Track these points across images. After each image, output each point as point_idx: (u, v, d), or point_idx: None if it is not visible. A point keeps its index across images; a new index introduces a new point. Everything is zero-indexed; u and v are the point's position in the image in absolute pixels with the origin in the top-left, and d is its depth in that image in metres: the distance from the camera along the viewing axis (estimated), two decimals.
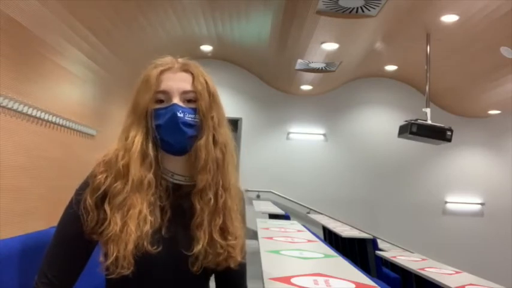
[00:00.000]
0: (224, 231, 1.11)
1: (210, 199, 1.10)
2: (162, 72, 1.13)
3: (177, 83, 1.12)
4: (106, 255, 1.03)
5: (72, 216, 1.08)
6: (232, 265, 1.12)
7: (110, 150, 1.12)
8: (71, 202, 1.11)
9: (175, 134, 1.08)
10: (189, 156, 1.12)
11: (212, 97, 1.14)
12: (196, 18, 6.19)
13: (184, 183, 1.14)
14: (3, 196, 3.78)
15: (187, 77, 1.14)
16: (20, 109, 3.96)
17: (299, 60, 6.87)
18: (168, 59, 1.17)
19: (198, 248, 1.08)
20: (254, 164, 8.56)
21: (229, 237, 1.11)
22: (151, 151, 1.09)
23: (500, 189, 8.84)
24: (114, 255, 1.01)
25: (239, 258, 1.13)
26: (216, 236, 1.10)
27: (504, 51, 5.69)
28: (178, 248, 1.09)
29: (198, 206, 1.10)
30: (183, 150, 1.10)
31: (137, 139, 1.09)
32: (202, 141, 1.10)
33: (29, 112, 4.13)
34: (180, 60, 1.18)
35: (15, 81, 3.93)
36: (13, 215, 3.94)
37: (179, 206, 1.13)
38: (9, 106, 3.81)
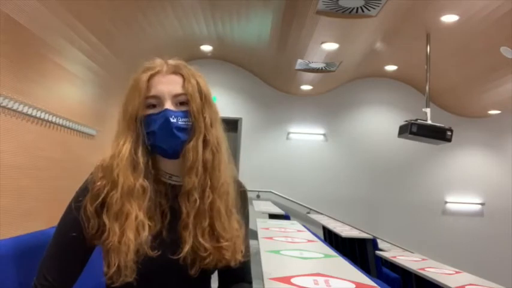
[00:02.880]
0: (213, 234, 1.10)
1: (196, 200, 1.09)
2: (151, 76, 1.11)
3: (168, 87, 1.11)
4: (108, 265, 1.03)
5: (72, 221, 1.08)
6: (232, 264, 1.12)
7: (107, 156, 1.12)
8: (70, 207, 1.11)
9: (169, 139, 1.08)
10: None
11: (204, 98, 1.13)
12: (196, 18, 6.19)
13: (181, 183, 1.13)
14: (3, 196, 3.78)
15: (177, 80, 1.12)
16: (20, 109, 3.96)
17: (299, 60, 6.87)
18: (157, 62, 1.15)
19: (185, 251, 1.07)
20: (254, 164, 8.56)
21: (221, 239, 1.10)
22: (140, 158, 1.08)
23: (500, 189, 8.84)
24: (116, 265, 1.01)
25: (239, 257, 1.12)
26: (202, 239, 1.08)
27: (504, 51, 5.69)
28: (170, 251, 1.09)
29: (184, 209, 1.10)
30: (176, 154, 1.10)
31: (126, 147, 1.08)
32: (191, 144, 1.09)
33: (29, 112, 4.13)
34: (169, 61, 1.16)
35: (15, 81, 3.93)
36: (13, 215, 3.93)
37: (175, 208, 1.13)
38: (9, 106, 3.81)
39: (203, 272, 1.11)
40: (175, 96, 1.10)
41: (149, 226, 1.06)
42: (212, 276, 1.21)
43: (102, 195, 1.07)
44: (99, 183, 1.08)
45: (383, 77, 8.83)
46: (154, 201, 1.09)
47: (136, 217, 1.05)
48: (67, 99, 5.15)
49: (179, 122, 1.08)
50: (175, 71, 1.14)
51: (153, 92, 1.10)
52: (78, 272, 1.12)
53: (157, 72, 1.13)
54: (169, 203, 1.12)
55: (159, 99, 1.10)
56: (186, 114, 1.10)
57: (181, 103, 1.11)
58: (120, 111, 1.13)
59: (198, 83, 1.13)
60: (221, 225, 1.11)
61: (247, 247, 1.20)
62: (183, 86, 1.11)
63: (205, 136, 1.11)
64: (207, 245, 1.08)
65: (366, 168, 8.87)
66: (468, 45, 6.13)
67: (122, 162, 1.07)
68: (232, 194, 1.17)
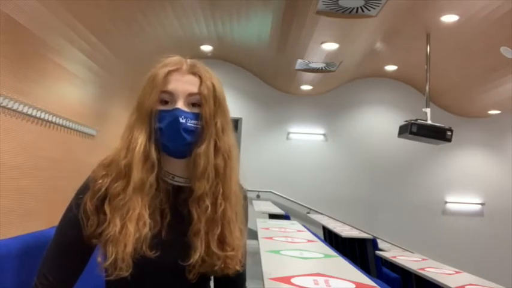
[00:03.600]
0: (222, 242, 1.09)
1: (208, 207, 1.08)
2: (170, 72, 1.10)
3: (184, 86, 1.09)
4: (104, 257, 1.03)
5: (72, 220, 1.08)
6: (230, 274, 1.11)
7: (111, 151, 1.11)
8: (70, 205, 1.10)
9: (174, 139, 1.07)
10: (189, 160, 1.10)
11: (218, 102, 1.11)
12: (196, 18, 6.19)
13: (184, 184, 1.12)
14: (3, 196, 3.78)
15: (194, 80, 1.11)
16: (20, 109, 3.96)
17: (299, 60, 6.87)
18: (176, 59, 1.14)
19: (195, 257, 1.06)
20: (254, 164, 8.55)
21: (228, 248, 1.09)
22: (154, 153, 1.07)
23: (500, 189, 8.84)
24: (113, 256, 1.01)
25: (237, 268, 1.11)
26: (214, 247, 1.07)
27: (504, 51, 5.69)
28: (176, 254, 1.08)
29: (195, 214, 1.08)
30: (181, 154, 1.09)
31: (140, 140, 1.07)
32: (202, 149, 1.08)
33: (29, 112, 4.13)
34: (188, 61, 1.14)
35: (15, 81, 3.93)
36: (13, 215, 3.93)
37: (178, 210, 1.12)
38: (9, 106, 3.80)
39: (201, 276, 1.10)
40: (190, 95, 1.09)
41: (150, 224, 1.06)
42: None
43: (104, 189, 1.06)
44: (100, 180, 1.07)
45: (383, 77, 8.82)
46: (156, 199, 1.09)
47: (139, 212, 1.04)
48: (67, 99, 5.15)
49: (188, 124, 1.07)
50: (194, 71, 1.12)
51: (168, 88, 1.09)
52: (79, 271, 1.12)
53: (176, 70, 1.11)
54: (169, 204, 1.11)
55: (172, 96, 1.09)
56: (197, 116, 1.09)
57: (194, 104, 1.10)
58: (135, 102, 1.12)
59: (214, 86, 1.12)
60: (230, 234, 1.10)
61: (244, 255, 1.19)
62: (199, 88, 1.10)
63: (216, 142, 1.10)
64: (219, 253, 1.08)
65: (366, 168, 8.87)
66: (468, 45, 6.13)
67: (137, 156, 1.06)
68: (240, 203, 1.16)
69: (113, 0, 4.88)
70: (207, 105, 1.09)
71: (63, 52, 4.94)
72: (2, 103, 3.69)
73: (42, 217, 4.34)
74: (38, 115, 4.29)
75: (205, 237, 1.08)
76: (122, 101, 6.68)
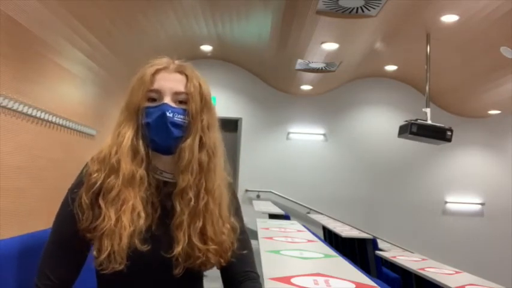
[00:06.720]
0: (204, 235, 1.10)
1: (191, 199, 1.10)
2: (157, 71, 1.14)
3: (170, 83, 1.13)
4: (99, 251, 1.03)
5: (68, 215, 1.08)
6: (218, 266, 1.12)
7: (103, 147, 1.13)
8: (65, 201, 1.11)
9: (162, 133, 1.09)
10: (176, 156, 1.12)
11: (204, 100, 1.15)
12: (196, 18, 6.19)
13: (172, 180, 1.14)
14: (3, 196, 3.78)
15: (181, 78, 1.14)
16: (20, 109, 3.96)
17: (299, 60, 6.87)
18: (164, 60, 1.18)
19: (178, 250, 1.07)
20: (254, 164, 8.56)
21: (209, 243, 1.10)
22: (141, 147, 1.10)
23: (500, 189, 8.83)
24: (108, 250, 1.01)
25: (223, 263, 1.12)
26: (195, 239, 1.08)
27: (504, 51, 5.68)
28: (162, 248, 1.09)
29: (178, 207, 1.10)
30: (168, 149, 1.11)
31: (128, 135, 1.10)
32: (187, 143, 1.10)
33: (29, 112, 4.13)
34: (176, 61, 1.18)
35: (15, 81, 3.93)
36: (13, 215, 3.93)
37: (165, 205, 1.13)
38: (9, 106, 3.80)
39: (189, 272, 1.10)
40: (176, 93, 1.12)
41: (143, 217, 1.07)
42: (211, 276, 1.21)
43: (98, 183, 1.07)
44: (95, 174, 1.08)
45: (383, 77, 8.82)
46: (148, 193, 1.10)
47: (133, 205, 1.05)
48: (67, 99, 5.15)
49: (175, 118, 1.09)
50: (181, 70, 1.16)
51: (155, 86, 1.12)
52: (79, 267, 1.13)
53: (163, 69, 1.15)
54: (159, 198, 1.12)
55: (159, 94, 1.12)
56: (184, 112, 1.11)
57: (181, 102, 1.12)
58: (124, 102, 1.16)
59: (200, 85, 1.15)
60: (212, 228, 1.11)
61: (245, 240, 1.20)
62: (186, 86, 1.13)
63: (201, 137, 1.12)
64: (200, 246, 1.09)
65: (366, 168, 8.87)
66: (468, 45, 6.13)
67: (124, 149, 1.08)
68: (226, 198, 1.17)
69: (113, 0, 4.88)
70: (193, 101, 1.12)
71: (63, 52, 4.94)
72: (2, 103, 3.69)
73: (42, 217, 4.34)
74: (37, 115, 4.29)
75: (187, 229, 1.09)
76: (122, 101, 6.67)
